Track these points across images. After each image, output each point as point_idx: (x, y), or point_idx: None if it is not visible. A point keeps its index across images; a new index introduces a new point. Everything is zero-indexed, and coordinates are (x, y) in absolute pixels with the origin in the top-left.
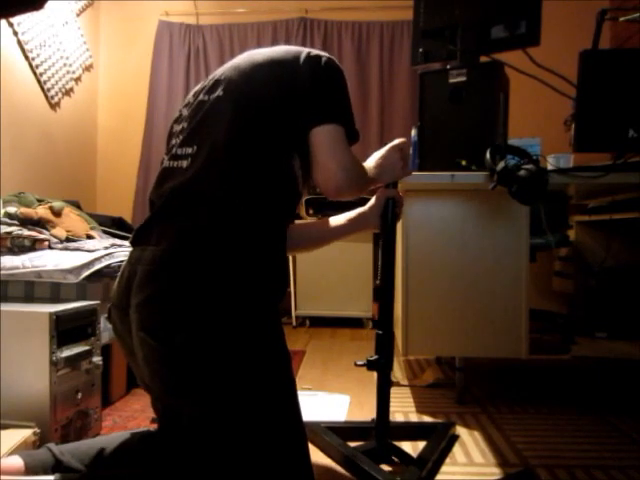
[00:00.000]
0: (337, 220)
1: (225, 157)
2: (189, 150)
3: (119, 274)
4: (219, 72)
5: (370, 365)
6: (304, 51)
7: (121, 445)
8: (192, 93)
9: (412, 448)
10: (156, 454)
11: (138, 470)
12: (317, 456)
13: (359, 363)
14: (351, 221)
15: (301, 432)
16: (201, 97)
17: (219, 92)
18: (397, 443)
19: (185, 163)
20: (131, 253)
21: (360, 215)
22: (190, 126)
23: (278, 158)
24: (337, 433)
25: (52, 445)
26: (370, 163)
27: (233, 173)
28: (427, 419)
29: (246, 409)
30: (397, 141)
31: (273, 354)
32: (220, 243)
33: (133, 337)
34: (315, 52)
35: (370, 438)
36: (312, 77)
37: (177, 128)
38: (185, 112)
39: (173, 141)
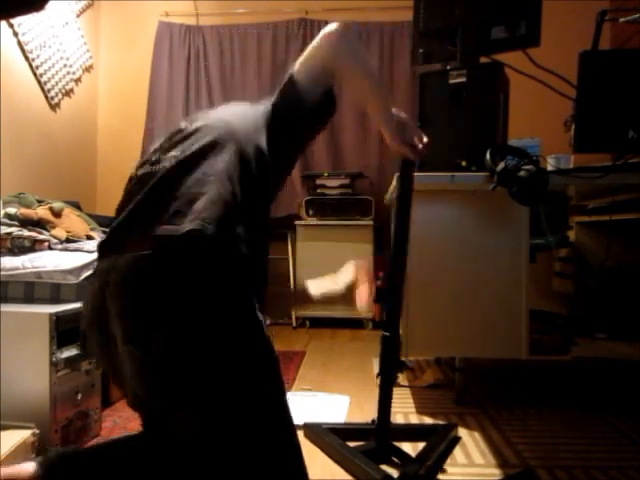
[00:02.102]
0: None
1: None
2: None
3: (88, 293)
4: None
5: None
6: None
7: (110, 450)
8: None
9: (413, 449)
10: (145, 459)
11: (127, 475)
12: (317, 456)
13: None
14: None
15: (289, 429)
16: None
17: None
18: (398, 444)
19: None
20: (98, 266)
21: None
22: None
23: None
24: (338, 434)
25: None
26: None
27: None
28: (427, 420)
29: (231, 410)
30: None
31: (255, 352)
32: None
33: (120, 351)
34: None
35: (370, 439)
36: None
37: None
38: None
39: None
